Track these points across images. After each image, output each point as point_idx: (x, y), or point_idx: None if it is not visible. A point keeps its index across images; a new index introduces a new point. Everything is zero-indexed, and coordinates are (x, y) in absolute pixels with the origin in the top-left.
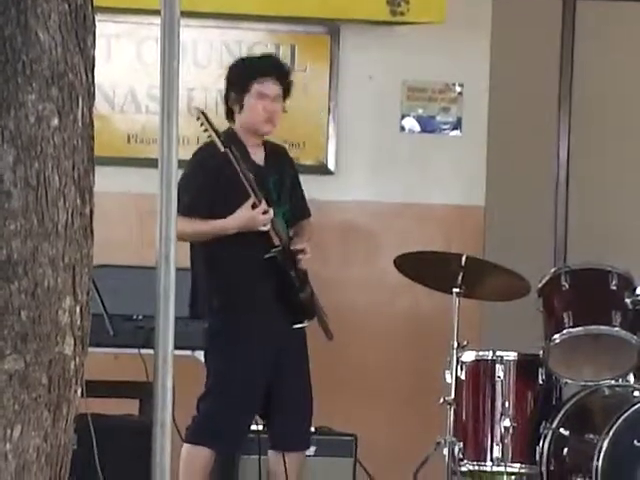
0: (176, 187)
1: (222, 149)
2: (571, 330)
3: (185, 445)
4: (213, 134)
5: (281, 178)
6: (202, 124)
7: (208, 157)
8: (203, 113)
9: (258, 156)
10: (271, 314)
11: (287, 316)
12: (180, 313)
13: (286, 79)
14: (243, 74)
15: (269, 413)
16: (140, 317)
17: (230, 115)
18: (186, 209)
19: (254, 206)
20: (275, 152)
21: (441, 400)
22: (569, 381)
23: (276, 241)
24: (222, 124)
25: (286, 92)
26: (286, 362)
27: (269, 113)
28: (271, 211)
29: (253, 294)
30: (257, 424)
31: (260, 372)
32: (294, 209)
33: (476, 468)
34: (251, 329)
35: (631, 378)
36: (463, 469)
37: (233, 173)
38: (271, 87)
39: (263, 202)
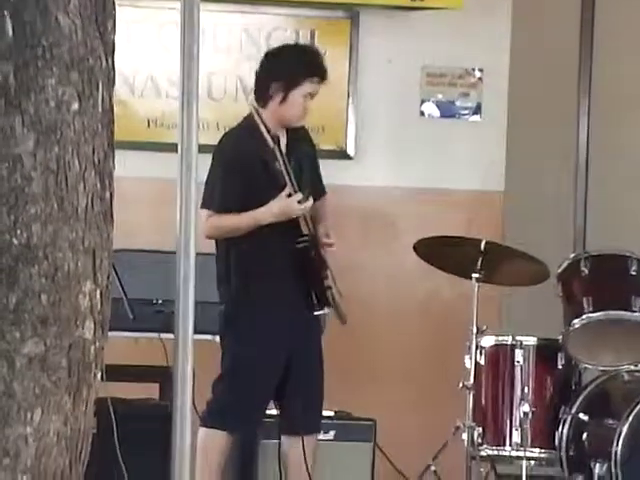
0: (196, 172)
1: (271, 145)
2: (591, 315)
3: (201, 429)
4: (264, 130)
5: (303, 159)
6: (256, 119)
7: (235, 146)
8: (255, 108)
9: (281, 140)
10: (292, 300)
11: (308, 303)
12: (200, 297)
13: (326, 79)
14: (297, 66)
15: (282, 398)
16: (160, 301)
17: (263, 99)
18: (219, 206)
19: (289, 195)
20: (296, 133)
21: (460, 385)
22: (588, 366)
23: (305, 229)
24: (241, 110)
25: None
26: (302, 347)
27: (306, 111)
28: (310, 201)
29: (275, 279)
30: (276, 408)
31: (276, 357)
32: (314, 190)
33: (495, 453)
34: (269, 314)
35: None
36: (482, 454)
37: (265, 159)
38: (316, 87)
39: (299, 192)
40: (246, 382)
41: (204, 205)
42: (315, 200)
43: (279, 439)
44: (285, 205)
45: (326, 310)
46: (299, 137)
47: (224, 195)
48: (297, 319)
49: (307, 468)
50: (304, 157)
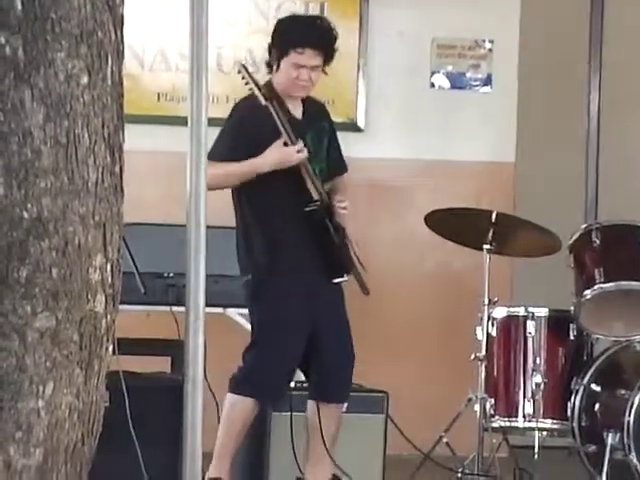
0: (206, 145)
1: (263, 102)
2: (602, 286)
3: (229, 395)
4: (255, 87)
5: (318, 135)
6: (243, 77)
7: (248, 110)
8: (244, 66)
9: (297, 111)
10: (312, 268)
11: (327, 270)
12: (211, 270)
13: (330, 48)
14: (285, 37)
15: (309, 365)
16: (171, 275)
17: (269, 66)
18: (220, 155)
19: (286, 145)
20: (313, 108)
21: (472, 356)
22: (600, 337)
23: (315, 195)
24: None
25: (328, 59)
26: (327, 315)
27: (303, 82)
28: (305, 151)
29: (294, 249)
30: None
31: (302, 325)
32: (331, 165)
33: (507, 424)
34: (293, 283)
35: None
36: (494, 425)
37: (273, 126)
38: (310, 58)
39: (299, 142)
40: (275, 351)
41: (208, 157)
42: (333, 176)
43: (290, 411)
44: (281, 152)
45: (345, 278)
46: (317, 111)
47: (224, 146)
48: (317, 286)
49: (322, 434)
50: (323, 132)
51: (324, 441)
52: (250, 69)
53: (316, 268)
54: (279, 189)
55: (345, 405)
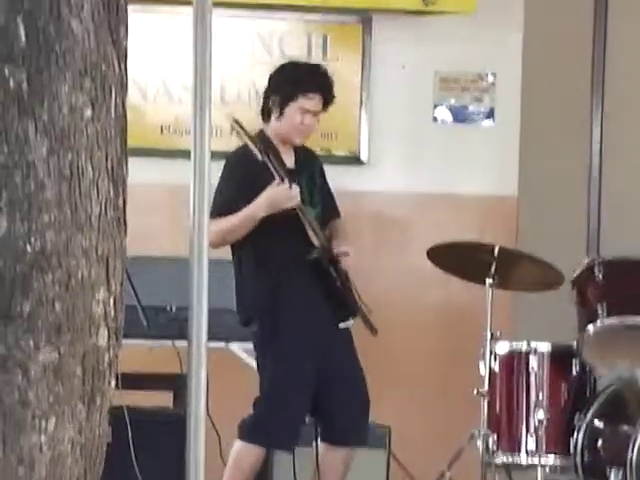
0: (209, 178)
1: (260, 158)
2: (605, 321)
3: (238, 441)
4: (250, 143)
5: (312, 179)
6: (237, 133)
7: (242, 162)
8: (237, 121)
9: (289, 159)
10: (317, 315)
11: (332, 316)
12: (213, 304)
13: (330, 97)
14: (292, 82)
15: (321, 410)
16: (173, 308)
17: (266, 114)
18: (219, 211)
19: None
20: (305, 155)
21: (475, 391)
22: (603, 372)
23: (315, 241)
24: (254, 116)
25: (326, 105)
26: (335, 360)
27: (306, 127)
28: (295, 188)
29: (299, 296)
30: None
31: (311, 372)
32: (325, 210)
33: (510, 460)
34: (300, 331)
35: None
36: (497, 461)
37: (269, 177)
38: (315, 103)
39: (286, 180)
40: (286, 401)
41: (210, 215)
42: (329, 220)
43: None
44: (274, 193)
45: (350, 322)
46: (307, 157)
47: (225, 202)
48: (323, 332)
49: (319, 475)
50: (315, 175)
51: None
52: (253, 100)
53: (321, 315)
54: (279, 237)
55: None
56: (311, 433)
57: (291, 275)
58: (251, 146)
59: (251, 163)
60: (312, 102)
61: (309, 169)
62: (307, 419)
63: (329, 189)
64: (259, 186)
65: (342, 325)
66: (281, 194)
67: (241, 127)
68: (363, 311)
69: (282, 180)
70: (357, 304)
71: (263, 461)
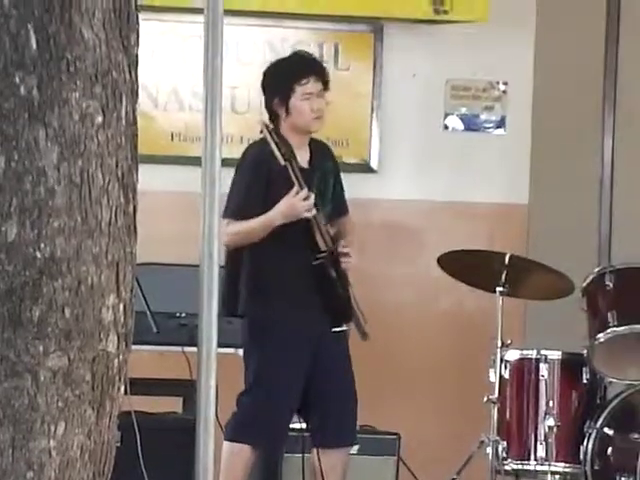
0: (219, 185)
1: (282, 162)
2: (616, 329)
3: (225, 443)
4: (275, 148)
5: (325, 176)
6: (265, 137)
7: (258, 158)
8: (267, 126)
9: (303, 157)
10: (311, 317)
11: (328, 319)
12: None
13: (324, 73)
14: (283, 78)
15: (309, 412)
16: (183, 315)
17: (274, 119)
18: (235, 213)
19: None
20: (319, 151)
21: (485, 399)
22: (613, 380)
23: (322, 245)
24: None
25: (325, 85)
26: (326, 362)
27: (317, 111)
28: (312, 197)
29: (296, 296)
30: (300, 422)
31: (299, 371)
32: (334, 206)
33: (520, 467)
34: (292, 329)
35: None
36: (507, 468)
37: (283, 181)
38: (313, 85)
39: (305, 189)
40: (271, 396)
41: (223, 215)
42: (337, 217)
43: (307, 452)
44: (291, 203)
45: (345, 327)
46: (323, 154)
47: (241, 203)
48: (318, 334)
49: None
50: (329, 173)
51: None
52: (263, 108)
53: (318, 316)
54: (287, 238)
55: (356, 447)
56: (309, 439)
57: (292, 275)
58: (276, 152)
59: (268, 165)
60: (309, 85)
61: (322, 168)
62: (303, 426)
63: (341, 186)
64: (273, 190)
65: (336, 330)
66: (300, 205)
67: (269, 132)
68: (357, 315)
69: (301, 188)
70: (352, 309)
71: (273, 467)
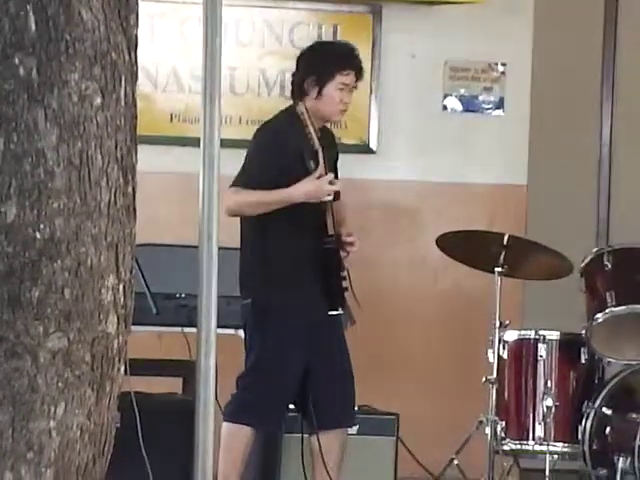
0: (218, 166)
1: (317, 146)
2: (614, 309)
3: (225, 424)
4: (312, 132)
5: (330, 163)
6: (304, 120)
7: (276, 134)
8: (307, 109)
9: (315, 139)
10: (314, 299)
11: (325, 302)
12: (223, 291)
13: (362, 73)
14: (328, 60)
15: (307, 394)
16: (183, 295)
17: (298, 96)
18: (246, 183)
19: (319, 177)
20: (327, 137)
21: (483, 379)
22: (611, 360)
23: (331, 229)
24: (263, 105)
25: (356, 84)
26: (324, 345)
27: (345, 104)
28: (338, 184)
29: (301, 278)
30: (296, 406)
31: (300, 353)
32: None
33: (518, 447)
34: (295, 311)
35: None
36: (505, 448)
37: (300, 161)
38: (351, 79)
39: (331, 174)
40: (271, 377)
41: (234, 184)
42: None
43: (301, 433)
44: (319, 184)
45: (340, 311)
46: (329, 141)
47: (255, 175)
48: (318, 317)
49: (324, 464)
50: (333, 161)
51: (328, 473)
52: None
53: (318, 299)
54: (302, 220)
55: (355, 428)
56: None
57: (298, 257)
58: (313, 136)
59: (285, 145)
60: (349, 77)
61: (330, 152)
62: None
63: (337, 173)
64: (286, 170)
65: (332, 313)
66: (325, 187)
67: (309, 116)
68: (346, 300)
69: (326, 173)
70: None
71: (272, 447)
